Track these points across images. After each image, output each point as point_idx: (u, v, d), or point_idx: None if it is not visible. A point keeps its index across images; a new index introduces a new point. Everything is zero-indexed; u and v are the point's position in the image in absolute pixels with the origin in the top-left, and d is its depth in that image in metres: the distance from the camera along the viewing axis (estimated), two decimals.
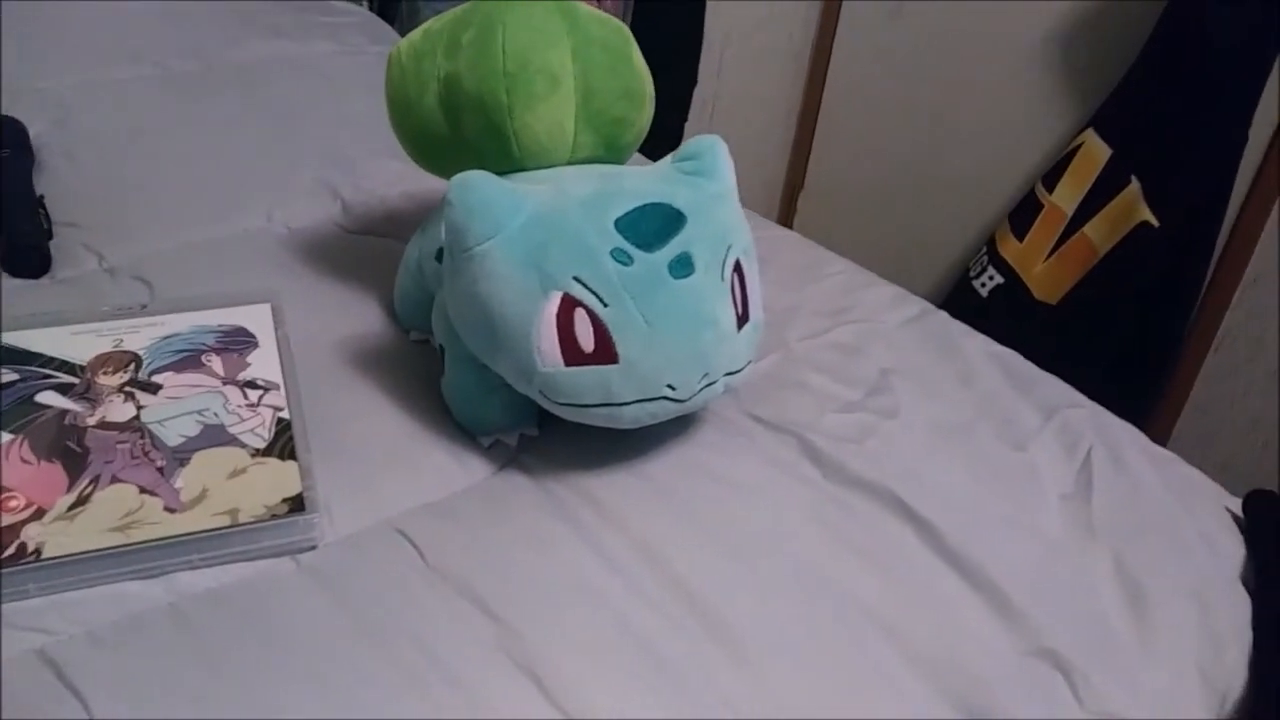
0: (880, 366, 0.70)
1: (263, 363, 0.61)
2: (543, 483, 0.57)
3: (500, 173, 0.58)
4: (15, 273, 0.69)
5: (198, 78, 0.98)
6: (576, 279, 0.52)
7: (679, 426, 0.61)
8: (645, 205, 0.54)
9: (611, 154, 0.62)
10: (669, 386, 0.54)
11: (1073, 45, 1.57)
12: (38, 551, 0.48)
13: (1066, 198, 1.48)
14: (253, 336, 0.63)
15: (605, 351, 0.53)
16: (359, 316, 0.69)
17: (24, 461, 0.53)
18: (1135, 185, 1.32)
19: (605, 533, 0.54)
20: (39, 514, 0.50)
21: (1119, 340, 1.39)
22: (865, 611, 0.52)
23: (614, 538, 0.54)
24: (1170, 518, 0.61)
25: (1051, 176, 1.51)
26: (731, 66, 1.96)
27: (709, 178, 0.58)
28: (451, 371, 0.60)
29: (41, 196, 0.75)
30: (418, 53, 0.61)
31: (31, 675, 0.44)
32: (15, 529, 0.49)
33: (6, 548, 0.48)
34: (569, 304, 0.52)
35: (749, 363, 0.58)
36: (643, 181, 0.57)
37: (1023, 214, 1.67)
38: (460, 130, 0.60)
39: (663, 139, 1.86)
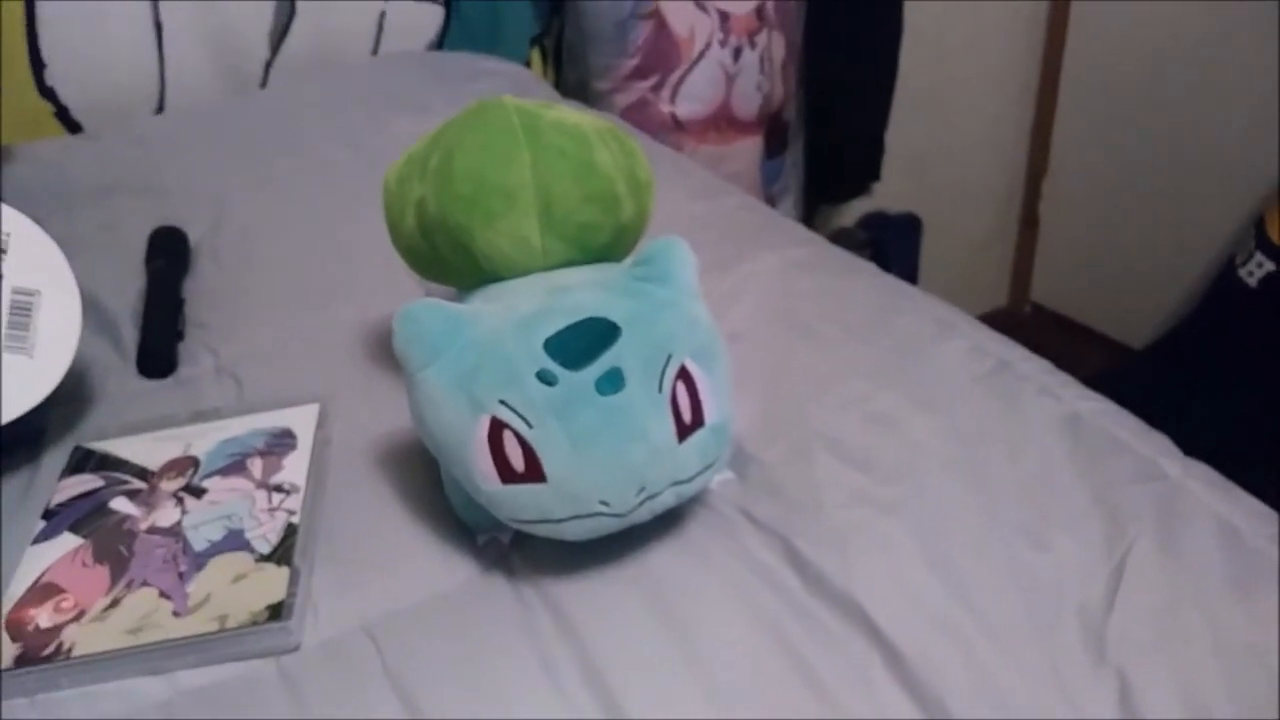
0: (914, 440, 0.65)
1: (294, 465, 0.67)
2: (518, 587, 0.59)
3: (476, 285, 0.60)
4: (144, 374, 0.80)
5: (346, 164, 1.07)
6: (503, 402, 0.53)
7: (667, 525, 0.60)
8: (577, 323, 0.54)
9: (588, 256, 0.62)
10: (602, 503, 0.54)
11: None
12: (70, 650, 0.57)
13: None
14: (294, 439, 0.69)
15: (534, 471, 0.53)
16: None
17: (83, 565, 0.62)
18: None
19: (558, 648, 0.55)
20: (79, 615, 0.59)
21: None
22: None
23: (565, 653, 0.55)
24: (1217, 625, 0.52)
25: None
26: (954, 50, 1.83)
27: (661, 283, 0.57)
28: (443, 472, 0.63)
29: (182, 302, 0.87)
30: (401, 177, 0.65)
31: None
32: (58, 629, 0.58)
33: (48, 646, 0.57)
34: (497, 426, 0.53)
35: (706, 468, 0.56)
36: (586, 295, 0.57)
37: None
38: (436, 249, 0.63)
39: (857, 143, 1.77)
